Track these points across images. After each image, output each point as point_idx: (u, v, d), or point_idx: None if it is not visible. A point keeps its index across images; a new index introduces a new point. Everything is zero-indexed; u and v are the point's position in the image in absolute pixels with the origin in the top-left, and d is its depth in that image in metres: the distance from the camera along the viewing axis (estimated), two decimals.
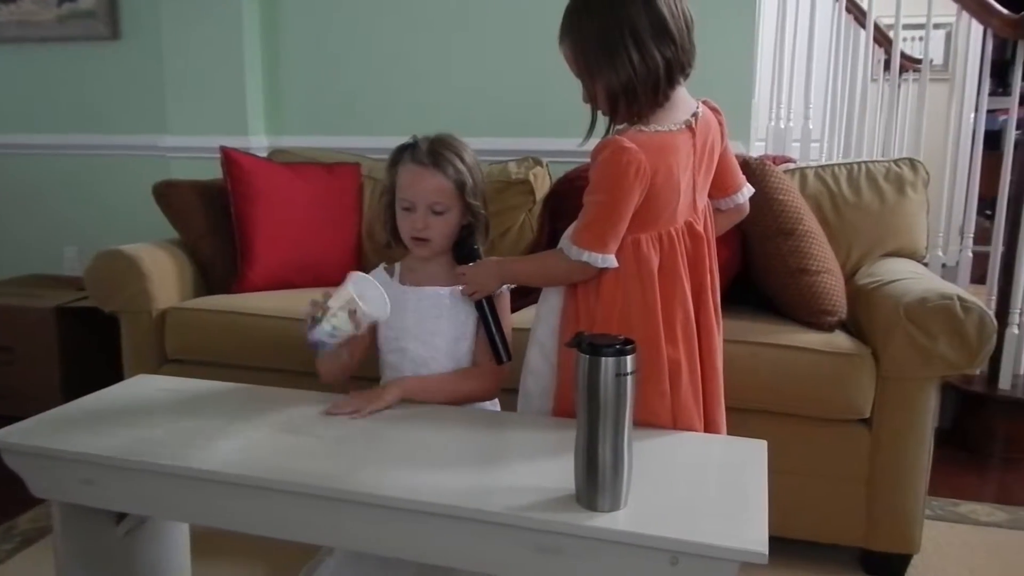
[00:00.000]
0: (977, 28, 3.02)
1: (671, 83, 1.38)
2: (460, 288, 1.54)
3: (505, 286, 1.59)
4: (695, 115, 1.41)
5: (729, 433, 1.40)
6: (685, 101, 1.42)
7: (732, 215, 1.60)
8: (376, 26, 2.98)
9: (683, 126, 1.40)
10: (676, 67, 1.37)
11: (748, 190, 1.58)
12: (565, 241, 1.42)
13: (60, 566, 1.39)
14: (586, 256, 1.38)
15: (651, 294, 1.40)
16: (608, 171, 1.35)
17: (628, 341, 1.11)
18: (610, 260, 1.38)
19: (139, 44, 3.20)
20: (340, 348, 1.48)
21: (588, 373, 1.10)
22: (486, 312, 1.52)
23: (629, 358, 1.09)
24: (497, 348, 1.52)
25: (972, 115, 3.21)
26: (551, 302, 1.52)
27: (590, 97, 1.42)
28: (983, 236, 3.07)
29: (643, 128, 1.37)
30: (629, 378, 1.10)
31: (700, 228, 1.45)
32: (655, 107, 1.37)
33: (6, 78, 3.39)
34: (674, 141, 1.38)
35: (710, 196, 1.52)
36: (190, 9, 2.99)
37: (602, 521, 1.07)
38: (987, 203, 3.13)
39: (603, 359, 1.09)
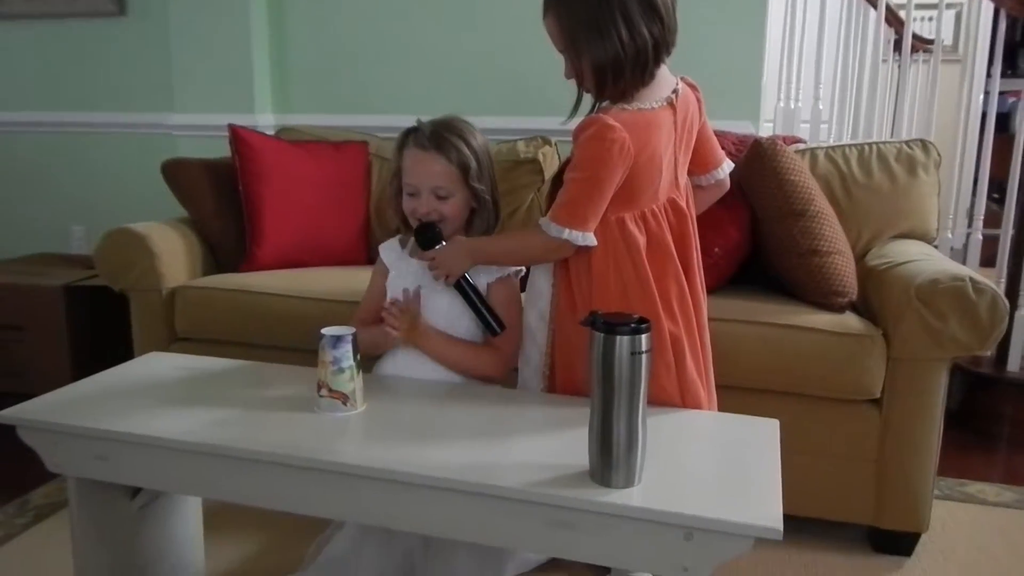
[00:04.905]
0: (988, 8, 2.98)
1: (657, 61, 1.38)
2: (432, 274, 1.51)
3: (514, 269, 1.59)
4: (675, 92, 1.41)
5: (740, 413, 1.40)
6: (666, 78, 1.42)
7: (713, 191, 1.60)
8: (383, 3, 2.95)
9: (664, 103, 1.40)
10: (663, 45, 1.37)
11: (728, 165, 1.59)
12: (544, 218, 1.42)
13: (75, 540, 1.40)
14: (567, 234, 1.37)
15: (643, 270, 1.40)
16: (592, 149, 1.34)
17: (643, 320, 1.12)
18: (589, 238, 1.38)
19: (146, 20, 3.18)
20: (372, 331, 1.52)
21: (603, 351, 1.10)
22: (467, 291, 1.51)
23: (644, 336, 1.10)
24: (488, 323, 1.51)
25: (981, 96, 3.19)
26: (538, 287, 1.52)
27: (574, 73, 1.41)
28: (990, 219, 3.06)
29: (626, 106, 1.37)
30: (644, 356, 1.10)
31: (683, 204, 1.46)
32: (640, 86, 1.37)
33: (12, 55, 3.37)
34: (657, 119, 1.38)
35: (691, 173, 1.52)
36: None
37: (616, 497, 1.08)
38: (994, 185, 3.11)
39: (618, 338, 1.09)
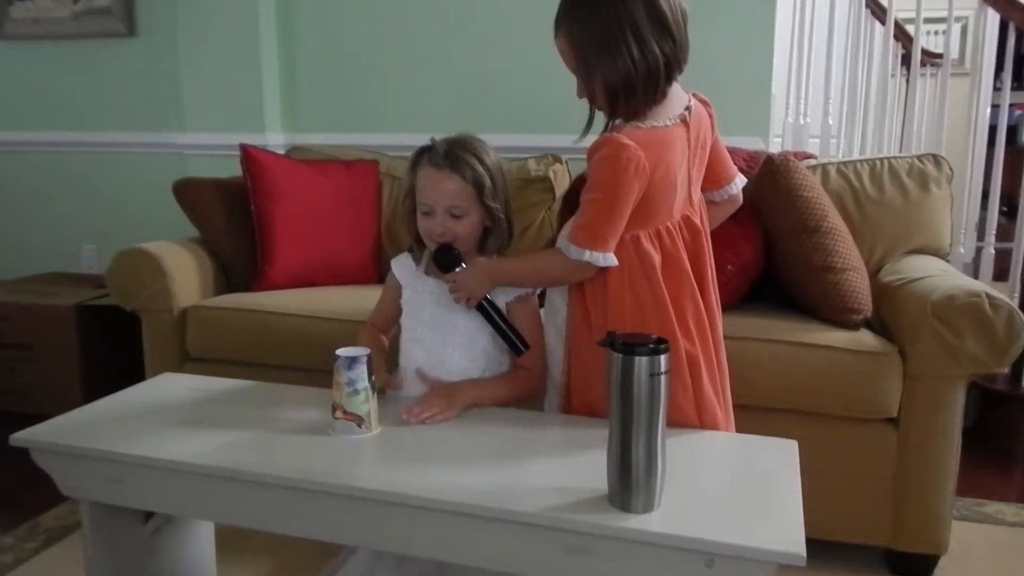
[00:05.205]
0: (994, 22, 2.99)
1: (669, 79, 1.37)
2: (452, 296, 1.50)
3: (529, 291, 1.58)
4: (688, 108, 1.41)
5: (755, 433, 1.39)
6: (678, 95, 1.42)
7: (727, 206, 1.60)
8: (393, 22, 2.97)
9: (678, 120, 1.39)
10: (674, 63, 1.36)
11: (740, 180, 1.58)
12: (563, 241, 1.41)
13: (89, 564, 1.39)
14: (587, 256, 1.36)
15: (659, 289, 1.39)
16: (607, 169, 1.34)
17: (661, 340, 1.10)
18: (611, 259, 1.37)
19: (155, 41, 3.20)
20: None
21: (622, 373, 1.09)
22: (489, 312, 1.49)
23: (663, 357, 1.08)
24: (512, 343, 1.51)
25: (988, 110, 3.19)
26: (555, 304, 1.51)
27: (586, 92, 1.41)
28: (998, 232, 3.04)
29: (639, 124, 1.36)
30: (663, 378, 1.09)
31: (697, 221, 1.46)
32: (653, 104, 1.37)
33: (23, 75, 3.40)
34: (670, 136, 1.38)
35: (704, 189, 1.51)
36: (206, 5, 2.99)
37: (636, 522, 1.07)
38: (1002, 198, 3.09)
39: (637, 359, 1.08)
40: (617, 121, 1.40)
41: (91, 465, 1.30)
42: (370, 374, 1.33)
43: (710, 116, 1.48)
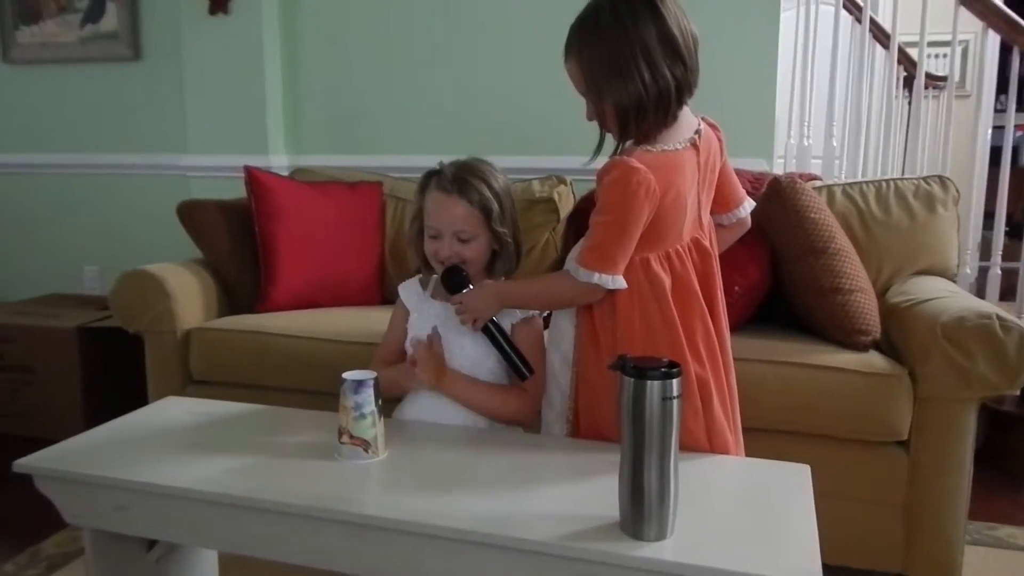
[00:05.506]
0: (994, 44, 3.01)
1: (680, 103, 1.37)
2: (459, 318, 1.50)
3: (534, 313, 1.57)
4: (698, 132, 1.41)
5: (762, 456, 1.38)
6: (688, 119, 1.42)
7: (735, 229, 1.60)
8: (397, 45, 2.98)
9: (688, 144, 1.39)
10: (685, 87, 1.36)
11: (749, 204, 1.58)
12: (571, 263, 1.41)
13: None
14: (596, 278, 1.36)
15: (669, 311, 1.39)
16: (617, 192, 1.33)
17: (673, 364, 1.09)
18: (620, 281, 1.37)
19: (160, 65, 3.21)
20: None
21: (633, 397, 1.07)
22: (495, 336, 1.49)
23: (675, 381, 1.07)
24: (517, 367, 1.49)
25: (989, 131, 3.20)
26: (561, 328, 1.50)
27: (596, 115, 1.41)
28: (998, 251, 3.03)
29: (649, 148, 1.36)
30: (675, 402, 1.07)
31: (707, 243, 1.45)
32: (663, 127, 1.37)
33: (29, 99, 3.41)
34: (680, 160, 1.38)
35: (712, 212, 1.51)
36: (210, 30, 3.00)
37: (649, 551, 1.05)
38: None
39: (649, 383, 1.07)
40: (627, 144, 1.39)
41: (97, 492, 1.28)
42: (377, 398, 1.32)
43: (719, 140, 1.48)
